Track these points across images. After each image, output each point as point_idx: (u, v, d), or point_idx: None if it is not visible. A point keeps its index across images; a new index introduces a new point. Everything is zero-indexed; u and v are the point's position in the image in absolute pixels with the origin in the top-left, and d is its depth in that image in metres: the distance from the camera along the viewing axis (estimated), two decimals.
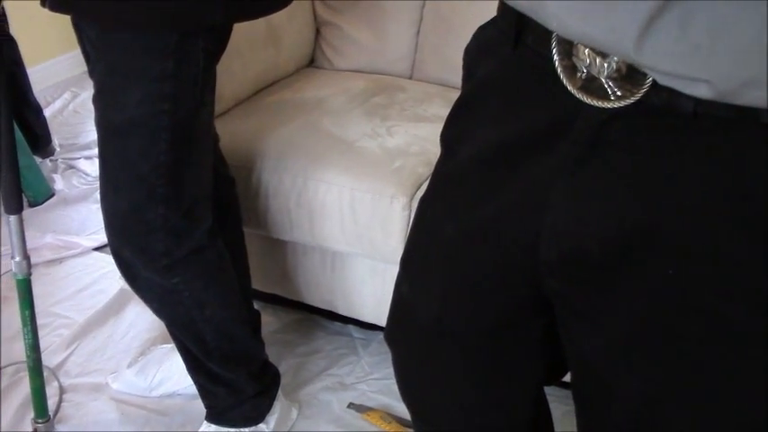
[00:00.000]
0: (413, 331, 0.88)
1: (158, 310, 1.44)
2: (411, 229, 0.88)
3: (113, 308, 1.99)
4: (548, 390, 1.39)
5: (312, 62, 2.20)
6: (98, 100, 1.24)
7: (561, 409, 1.56)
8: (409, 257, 0.88)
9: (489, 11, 0.77)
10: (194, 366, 1.49)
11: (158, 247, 1.30)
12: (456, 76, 2.09)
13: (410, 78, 2.12)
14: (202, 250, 1.37)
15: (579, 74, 0.61)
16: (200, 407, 1.59)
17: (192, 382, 1.65)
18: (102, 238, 2.28)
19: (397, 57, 2.11)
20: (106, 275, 2.12)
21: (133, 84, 1.19)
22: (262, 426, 1.57)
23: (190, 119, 1.24)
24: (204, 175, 1.35)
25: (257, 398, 1.55)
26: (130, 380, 1.73)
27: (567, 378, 0.94)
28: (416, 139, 1.69)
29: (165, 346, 1.79)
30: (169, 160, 1.24)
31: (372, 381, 1.80)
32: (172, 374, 1.72)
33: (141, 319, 1.93)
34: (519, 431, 0.94)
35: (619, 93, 0.59)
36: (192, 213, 1.33)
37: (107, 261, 2.19)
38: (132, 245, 1.31)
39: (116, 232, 1.32)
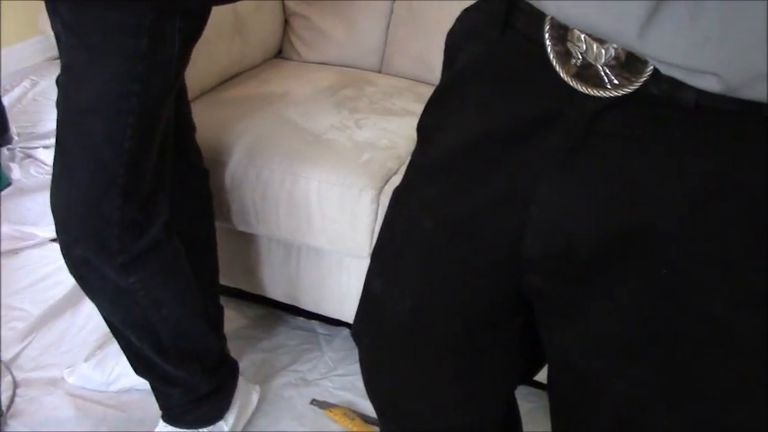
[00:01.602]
0: (383, 328, 0.85)
1: (110, 312, 1.36)
2: (384, 222, 0.84)
3: (71, 300, 1.93)
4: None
5: (280, 53, 2.17)
6: (64, 78, 1.18)
7: (526, 406, 1.56)
8: (382, 252, 0.84)
9: (461, 7, 0.74)
10: (145, 368, 1.44)
11: (114, 243, 1.23)
12: (425, 71, 2.09)
13: (379, 72, 2.09)
14: (159, 246, 1.31)
15: (573, 60, 0.58)
16: None
17: None
18: None
19: (366, 50, 2.09)
20: (63, 267, 2.04)
21: (104, 61, 1.14)
22: (221, 423, 1.53)
23: (158, 104, 1.19)
24: (164, 166, 1.30)
25: (214, 396, 1.51)
26: (87, 374, 1.69)
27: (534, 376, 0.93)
28: (385, 133, 1.67)
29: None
30: (133, 147, 1.18)
31: (336, 377, 1.77)
32: (129, 368, 1.65)
33: (98, 313, 1.87)
34: (491, 429, 0.92)
35: (616, 81, 0.56)
36: (150, 206, 1.27)
37: None
38: (86, 241, 1.23)
39: (68, 227, 1.24)
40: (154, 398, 1.57)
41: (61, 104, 1.19)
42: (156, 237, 1.30)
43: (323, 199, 1.55)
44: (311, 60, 2.11)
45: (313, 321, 1.94)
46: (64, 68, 1.18)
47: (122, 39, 1.12)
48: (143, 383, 1.64)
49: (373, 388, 0.93)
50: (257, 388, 1.66)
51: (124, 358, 1.66)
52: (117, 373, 1.67)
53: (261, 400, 1.67)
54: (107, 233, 1.22)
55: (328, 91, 1.88)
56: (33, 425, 1.58)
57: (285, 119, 1.70)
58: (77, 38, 1.15)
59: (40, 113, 2.86)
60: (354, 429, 1.62)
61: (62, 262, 2.03)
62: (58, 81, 1.20)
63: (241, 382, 1.58)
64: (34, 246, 2.16)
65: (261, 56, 2.07)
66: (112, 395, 1.67)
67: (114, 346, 1.71)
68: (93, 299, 1.36)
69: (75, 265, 1.28)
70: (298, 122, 1.69)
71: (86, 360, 1.72)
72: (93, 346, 1.78)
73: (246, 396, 1.61)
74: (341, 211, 1.54)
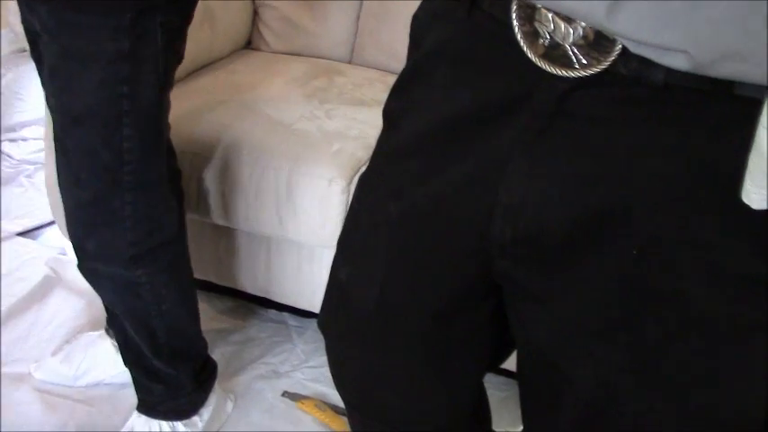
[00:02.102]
0: (351, 318, 0.84)
1: (112, 301, 1.37)
2: (350, 209, 0.83)
3: (37, 295, 1.90)
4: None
5: (249, 44, 2.15)
6: (51, 85, 1.17)
7: (498, 395, 1.56)
8: (348, 239, 0.83)
9: None
10: (134, 361, 1.44)
11: (127, 236, 1.24)
12: (396, 62, 2.08)
13: (349, 63, 2.08)
14: (171, 243, 1.32)
15: (541, 40, 0.58)
16: (128, 396, 1.54)
17: (120, 371, 1.60)
18: (27, 222, 2.20)
19: (336, 41, 2.08)
20: (30, 261, 2.02)
21: (88, 67, 1.12)
22: (195, 418, 1.52)
23: (153, 100, 1.18)
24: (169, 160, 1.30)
25: (194, 393, 1.51)
26: (54, 368, 1.66)
27: (504, 364, 0.93)
28: (355, 123, 1.66)
29: (91, 333, 1.72)
30: (134, 145, 1.18)
31: (307, 369, 1.76)
32: (98, 362, 1.65)
33: (67, 306, 1.85)
34: (460, 419, 0.91)
35: (584, 61, 0.56)
36: (165, 200, 1.28)
37: (31, 247, 2.11)
38: (98, 236, 1.24)
39: (79, 224, 1.25)
40: (123, 392, 1.56)
41: (55, 110, 1.18)
42: (170, 233, 1.31)
43: (292, 190, 1.54)
44: (281, 51, 2.10)
45: (284, 313, 1.92)
46: (48, 75, 1.17)
47: (103, 42, 1.11)
48: (112, 377, 1.64)
49: (340, 378, 0.92)
50: (232, 396, 1.65)
51: (92, 352, 1.65)
52: (85, 368, 1.65)
53: (230, 392, 1.66)
54: (118, 228, 1.23)
55: (298, 81, 1.86)
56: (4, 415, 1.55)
57: (254, 109, 1.69)
58: (58, 44, 1.13)
59: (5, 106, 2.81)
60: (326, 421, 1.61)
61: (29, 256, 2.03)
62: (44, 84, 1.18)
63: (218, 388, 1.57)
64: (1, 240, 2.12)
65: (229, 46, 2.05)
66: (81, 390, 1.64)
67: (82, 340, 1.69)
68: (97, 288, 1.37)
69: (85, 259, 1.29)
70: (267, 113, 1.68)
71: (53, 355, 1.69)
72: (61, 340, 1.75)
73: (222, 402, 1.61)
74: (311, 202, 1.53)
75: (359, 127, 1.65)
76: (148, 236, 1.27)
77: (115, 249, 1.25)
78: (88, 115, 1.15)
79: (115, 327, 1.43)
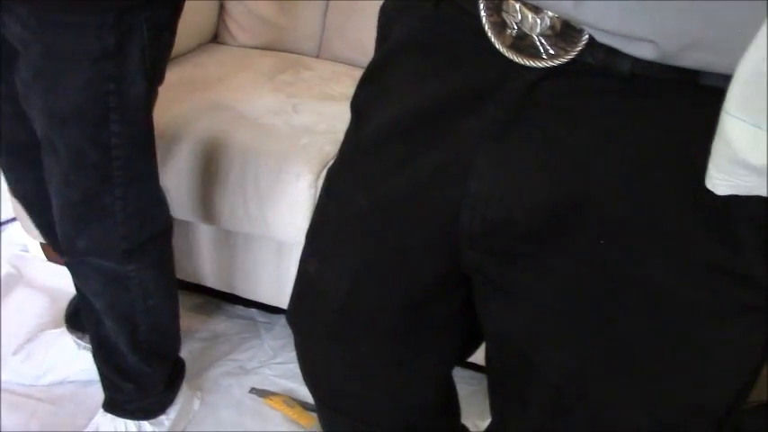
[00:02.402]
0: (320, 312, 0.83)
1: (99, 293, 1.34)
2: (318, 203, 0.82)
3: None
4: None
5: (216, 38, 2.13)
6: (35, 85, 1.14)
7: (466, 389, 1.56)
8: (316, 232, 0.82)
9: None
10: (106, 358, 1.42)
11: (119, 230, 1.23)
12: (364, 56, 2.07)
13: (317, 57, 2.07)
14: (161, 237, 1.32)
15: (509, 31, 0.58)
16: (92, 394, 1.52)
17: (83, 368, 1.59)
18: None
19: (303, 35, 2.07)
20: None
21: (73, 67, 1.10)
22: (161, 417, 1.50)
23: (141, 94, 1.16)
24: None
25: (164, 392, 1.49)
26: (16, 368, 1.64)
27: (472, 358, 0.93)
28: (323, 117, 1.65)
29: (52, 330, 1.69)
30: (122, 141, 1.16)
31: (275, 365, 1.75)
32: (60, 360, 1.63)
33: (30, 305, 1.81)
34: (428, 412, 0.91)
35: (551, 51, 0.56)
36: (156, 193, 1.27)
37: None
38: (89, 233, 1.23)
39: (70, 221, 1.24)
40: (87, 390, 1.54)
41: (42, 111, 1.16)
42: (161, 225, 1.30)
43: (260, 185, 1.52)
44: (248, 45, 2.08)
45: (252, 309, 1.91)
46: (32, 75, 1.14)
47: (88, 42, 1.08)
48: (75, 374, 1.62)
49: (309, 372, 0.91)
50: (199, 394, 1.64)
51: (54, 350, 1.63)
52: (47, 366, 1.63)
53: (199, 389, 1.65)
54: (109, 222, 1.22)
55: (265, 76, 1.85)
56: None
57: (220, 103, 1.67)
58: (41, 44, 1.10)
59: None
60: (294, 417, 1.60)
61: None
62: (27, 84, 1.15)
63: (185, 386, 1.56)
64: None
65: (196, 40, 2.03)
66: (43, 389, 1.62)
67: (44, 338, 1.67)
68: (83, 282, 1.35)
69: (76, 255, 1.28)
70: (234, 107, 1.66)
71: (15, 353, 1.66)
72: (23, 338, 1.72)
73: (189, 400, 1.59)
74: (278, 197, 1.51)
75: (327, 121, 1.64)
76: (140, 229, 1.26)
77: (107, 245, 1.25)
78: (75, 115, 1.13)
79: (90, 323, 1.40)
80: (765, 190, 0.47)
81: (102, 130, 1.15)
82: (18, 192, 1.47)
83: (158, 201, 1.30)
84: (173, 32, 1.22)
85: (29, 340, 1.69)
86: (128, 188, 1.21)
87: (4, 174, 1.45)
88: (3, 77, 1.21)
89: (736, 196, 0.49)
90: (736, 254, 0.56)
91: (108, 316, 1.36)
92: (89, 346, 1.59)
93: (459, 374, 1.57)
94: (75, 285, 1.37)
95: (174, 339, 1.48)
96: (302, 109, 1.69)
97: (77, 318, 1.63)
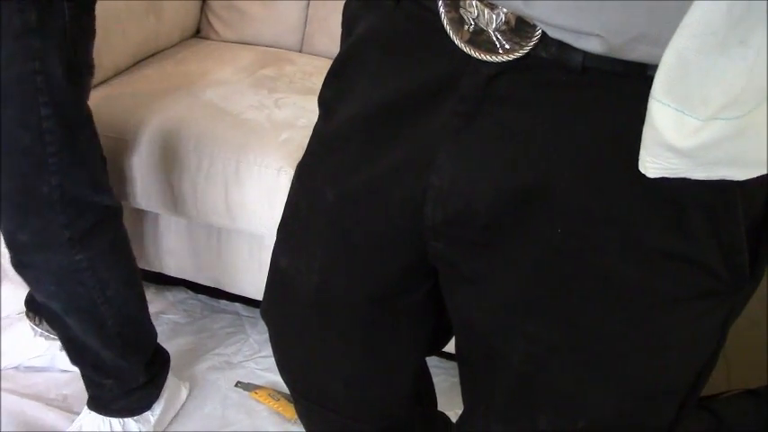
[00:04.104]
0: (292, 304, 0.84)
1: (54, 294, 1.32)
2: (288, 197, 0.84)
3: None
4: (434, 362, 1.39)
5: (198, 33, 2.13)
6: None
7: (449, 381, 1.57)
8: (287, 227, 0.84)
9: None
10: (79, 358, 1.41)
11: (59, 219, 1.20)
12: None
13: (299, 52, 2.08)
14: (106, 223, 1.29)
15: (466, 26, 0.59)
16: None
17: (38, 355, 1.62)
18: None
19: (286, 29, 2.07)
20: None
21: None
22: (147, 414, 1.50)
23: (69, 76, 1.14)
24: (99, 139, 1.27)
25: (146, 387, 1.48)
26: None
27: (454, 350, 0.94)
28: (305, 112, 1.66)
29: (10, 315, 1.70)
30: (55, 125, 1.14)
31: (260, 359, 1.76)
32: (15, 345, 1.64)
33: (11, 302, 1.79)
34: (402, 402, 0.93)
35: (507, 46, 0.57)
36: (93, 180, 1.24)
37: None
38: (30, 225, 1.21)
39: (8, 215, 1.21)
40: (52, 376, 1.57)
41: None
42: (104, 213, 1.28)
43: (241, 179, 1.53)
44: (230, 40, 2.08)
45: (236, 304, 1.92)
46: None
47: (6, 17, 1.06)
48: (30, 361, 1.64)
49: (284, 365, 0.92)
50: (187, 384, 1.64)
51: (10, 335, 1.65)
52: (3, 350, 1.64)
53: (185, 381, 1.65)
54: (49, 213, 1.19)
55: (247, 71, 1.85)
56: None
57: (202, 99, 1.67)
58: None
59: None
60: (279, 410, 1.62)
61: None
62: None
63: (170, 376, 1.56)
64: None
65: (177, 35, 2.03)
66: (27, 384, 1.62)
67: (2, 323, 1.68)
68: (34, 284, 1.32)
69: (20, 252, 1.25)
70: (215, 102, 1.66)
71: None
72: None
73: (175, 391, 1.59)
74: (259, 191, 1.52)
75: (308, 116, 1.64)
76: (80, 217, 1.23)
77: (50, 235, 1.22)
78: (3, 96, 1.10)
79: (55, 326, 1.39)
80: (691, 172, 0.49)
81: (31, 112, 1.12)
82: None
83: (97, 188, 1.26)
84: (91, 17, 1.19)
85: None
86: (64, 176, 1.18)
87: None
88: None
89: (687, 184, 0.51)
90: (690, 240, 0.58)
91: (70, 316, 1.33)
92: (45, 333, 1.62)
93: (441, 365, 1.59)
94: (31, 289, 1.35)
95: (145, 327, 1.45)
96: (284, 104, 1.69)
97: (36, 301, 1.61)
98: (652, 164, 0.50)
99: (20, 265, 1.28)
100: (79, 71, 1.18)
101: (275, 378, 1.69)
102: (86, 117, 1.23)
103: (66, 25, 1.12)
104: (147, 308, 1.46)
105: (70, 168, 1.19)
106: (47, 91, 1.12)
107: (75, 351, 1.41)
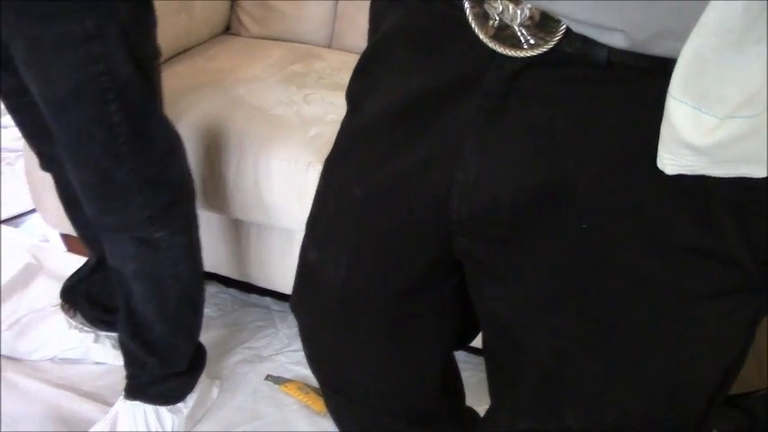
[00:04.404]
0: (320, 298, 0.85)
1: (132, 255, 1.37)
2: (317, 192, 0.84)
3: (19, 282, 1.91)
4: (462, 357, 1.39)
5: (228, 29, 2.14)
6: (28, 76, 1.17)
7: (477, 376, 1.57)
8: (315, 222, 0.85)
9: None
10: (133, 331, 1.44)
11: (137, 200, 1.28)
12: None
13: (328, 47, 2.08)
14: (183, 202, 1.36)
15: (491, 22, 0.59)
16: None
17: (72, 346, 1.66)
18: (8, 210, 2.20)
19: (315, 25, 2.08)
20: (12, 249, 2.03)
21: (60, 54, 1.13)
22: (180, 405, 1.53)
23: (131, 73, 1.18)
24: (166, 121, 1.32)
25: (184, 376, 1.52)
26: (10, 343, 1.68)
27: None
28: (333, 108, 1.67)
29: (46, 307, 1.73)
30: (123, 118, 1.20)
31: (290, 352, 1.78)
32: (51, 337, 1.67)
33: (48, 294, 1.84)
34: (429, 396, 0.93)
35: (531, 41, 0.57)
36: (163, 161, 1.30)
37: (13, 234, 2.12)
38: (111, 209, 1.28)
39: (91, 201, 1.29)
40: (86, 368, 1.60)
41: (40, 100, 1.19)
42: (175, 190, 1.34)
43: (270, 175, 1.54)
44: (259, 36, 2.09)
45: (266, 298, 1.93)
46: (25, 66, 1.17)
47: (67, 27, 1.11)
48: (64, 353, 1.68)
49: (313, 359, 0.93)
50: (218, 382, 1.66)
51: (44, 327, 1.68)
52: (38, 342, 1.68)
53: (216, 377, 1.67)
54: (128, 194, 1.27)
55: (276, 67, 1.86)
56: None
57: (232, 95, 1.69)
58: (23, 36, 1.13)
59: None
60: (308, 403, 1.63)
61: (11, 244, 2.03)
62: (23, 75, 1.18)
63: (204, 376, 1.59)
64: None
65: (208, 32, 2.04)
66: (58, 373, 1.66)
67: (35, 315, 1.71)
68: (114, 252, 1.38)
69: (108, 231, 1.34)
70: (245, 98, 1.68)
71: (8, 329, 1.71)
72: (15, 316, 1.77)
73: (207, 388, 1.62)
74: (288, 187, 1.53)
75: (337, 112, 1.65)
76: (156, 195, 1.29)
77: (131, 216, 1.29)
78: (73, 99, 1.16)
79: (120, 294, 1.43)
80: (708, 170, 0.49)
81: (102, 110, 1.18)
82: (57, 183, 1.53)
83: (167, 166, 1.32)
84: (151, 11, 1.24)
85: (24, 315, 1.74)
86: (136, 160, 1.24)
87: (41, 161, 1.49)
88: (13, 71, 1.23)
89: (715, 180, 0.51)
90: (717, 237, 0.57)
91: (138, 281, 1.39)
92: (79, 325, 1.67)
93: (470, 361, 1.59)
94: (107, 255, 1.40)
95: (199, 314, 1.50)
96: (313, 99, 1.70)
97: (71, 293, 1.67)
98: (670, 161, 0.50)
99: (105, 237, 1.36)
100: (143, 63, 1.22)
101: (305, 372, 1.71)
102: (153, 102, 1.28)
103: (124, 26, 1.16)
104: (203, 295, 1.51)
105: (140, 152, 1.25)
106: (113, 88, 1.17)
107: (131, 322, 1.44)
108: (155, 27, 1.26)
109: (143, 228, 1.31)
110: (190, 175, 1.39)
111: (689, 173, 0.50)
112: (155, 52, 1.27)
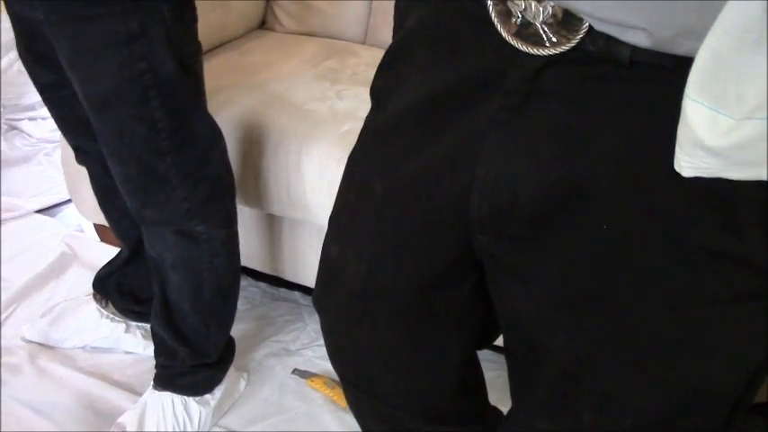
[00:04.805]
0: (341, 294, 0.86)
1: (172, 245, 1.39)
2: (340, 188, 0.85)
3: (54, 270, 1.94)
4: (488, 356, 1.39)
5: (263, 24, 2.15)
6: (71, 74, 1.20)
7: (503, 376, 1.57)
8: (338, 217, 0.85)
9: None
10: (166, 319, 1.46)
11: (177, 193, 1.30)
12: None
13: (363, 44, 2.08)
14: (220, 197, 1.38)
15: (514, 19, 0.59)
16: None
17: (103, 335, 1.69)
18: (45, 199, 2.23)
19: (350, 21, 2.08)
20: (48, 238, 2.07)
21: (104, 55, 1.15)
22: (207, 396, 1.54)
23: (173, 71, 1.20)
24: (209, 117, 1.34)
25: (214, 368, 1.53)
26: (44, 330, 1.71)
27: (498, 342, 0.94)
28: (366, 104, 1.64)
29: (79, 296, 1.76)
30: (166, 114, 1.22)
31: (317, 347, 1.78)
32: (83, 326, 1.70)
33: (82, 283, 1.88)
34: (448, 393, 0.93)
35: (554, 39, 0.57)
36: (204, 156, 1.32)
37: (49, 224, 2.15)
38: (152, 201, 1.31)
39: (132, 194, 1.31)
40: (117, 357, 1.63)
41: (83, 98, 1.22)
42: (215, 184, 1.36)
43: (302, 170, 1.55)
44: (294, 31, 2.10)
45: (295, 292, 1.94)
46: (69, 66, 1.19)
47: (111, 27, 1.13)
48: (95, 342, 1.70)
49: (334, 354, 0.94)
50: (245, 375, 1.68)
51: (78, 316, 1.71)
52: (72, 330, 1.71)
53: (243, 370, 1.68)
54: (167, 188, 1.29)
55: (311, 62, 1.87)
56: (15, 393, 1.59)
57: (266, 90, 1.70)
58: (67, 38, 1.15)
59: (25, 85, 2.84)
60: (334, 398, 1.63)
61: (46, 233, 2.06)
62: (67, 73, 1.21)
63: (232, 368, 1.60)
64: (19, 216, 2.16)
65: (243, 26, 2.06)
66: (91, 362, 1.68)
67: (69, 304, 1.74)
68: (155, 237, 1.39)
69: (149, 224, 1.36)
70: (279, 94, 1.69)
71: (43, 316, 1.74)
72: (49, 304, 1.80)
73: (235, 380, 1.63)
74: (320, 182, 1.54)
75: (369, 108, 1.65)
76: (196, 188, 1.31)
77: (171, 209, 1.31)
78: (116, 97, 1.18)
79: (156, 282, 1.45)
80: (724, 172, 0.48)
81: (144, 108, 1.20)
82: (92, 177, 1.55)
83: (208, 161, 1.34)
84: (192, 8, 1.26)
85: (58, 304, 1.77)
86: (177, 155, 1.26)
87: (76, 155, 1.52)
88: (54, 67, 1.25)
89: (736, 181, 0.50)
90: (738, 238, 0.56)
91: (176, 271, 1.40)
92: (111, 315, 1.69)
93: (496, 360, 1.58)
94: (146, 245, 1.42)
95: (232, 306, 1.52)
96: (346, 95, 1.71)
97: (104, 283, 1.69)
98: (686, 163, 0.49)
99: (145, 229, 1.38)
100: (185, 60, 1.23)
101: (331, 367, 1.71)
102: (195, 98, 1.30)
103: (167, 24, 1.17)
104: (238, 289, 1.52)
105: (182, 147, 1.27)
106: (155, 86, 1.19)
107: (165, 312, 1.46)
108: (196, 23, 1.27)
109: (183, 221, 1.33)
110: (230, 170, 1.41)
111: (705, 175, 0.49)
112: (196, 48, 1.29)
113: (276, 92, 1.69)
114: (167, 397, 1.51)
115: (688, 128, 0.47)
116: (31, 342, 1.72)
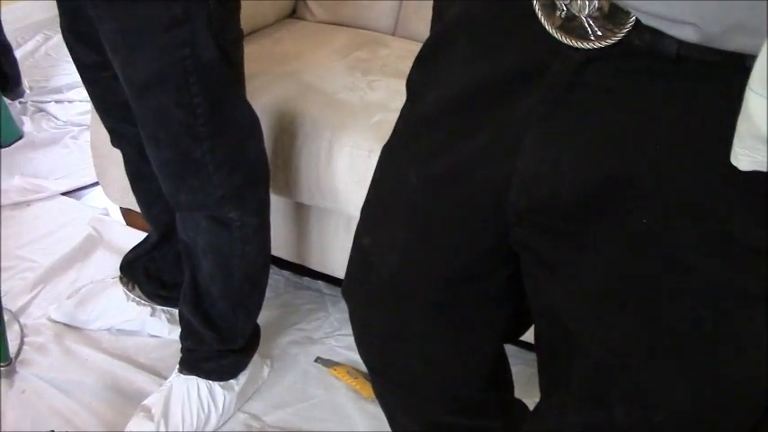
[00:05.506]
0: (372, 284, 0.86)
1: (204, 229, 1.40)
2: (373, 179, 0.84)
3: (79, 253, 1.96)
4: (512, 351, 1.39)
5: (294, 13, 2.15)
6: (114, 59, 1.21)
7: (528, 372, 1.57)
8: (370, 207, 0.85)
9: None
10: (195, 303, 1.47)
11: (212, 179, 1.30)
12: None
13: (393, 35, 2.08)
14: (254, 184, 1.38)
15: (558, 12, 0.58)
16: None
17: (128, 319, 1.70)
18: (71, 182, 2.25)
19: (381, 12, 2.08)
20: (74, 220, 2.09)
21: (147, 38, 1.16)
22: (232, 382, 1.56)
23: (215, 57, 1.21)
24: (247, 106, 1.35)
25: (239, 353, 1.54)
26: (70, 311, 1.73)
27: (533, 340, 0.94)
28: (397, 95, 1.66)
29: (106, 279, 1.77)
30: (205, 101, 1.23)
31: (341, 336, 1.79)
32: (109, 308, 1.72)
33: (108, 266, 1.89)
34: (476, 385, 0.93)
35: (599, 33, 0.56)
36: (242, 145, 1.33)
37: (75, 205, 2.17)
38: (187, 186, 1.31)
39: (168, 179, 1.32)
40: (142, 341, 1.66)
41: (124, 81, 1.23)
42: (252, 176, 1.36)
43: (332, 159, 1.55)
44: (325, 21, 2.10)
45: (319, 282, 1.95)
46: (111, 49, 1.20)
47: (156, 13, 1.14)
48: (120, 324, 1.72)
49: (363, 344, 0.94)
50: (268, 362, 1.69)
51: (103, 298, 1.73)
52: (97, 312, 1.72)
53: (267, 356, 1.69)
54: (202, 174, 1.30)
55: (341, 52, 1.87)
56: (41, 372, 1.60)
57: (297, 79, 1.70)
58: (113, 20, 1.16)
59: (52, 68, 2.87)
60: (357, 387, 1.64)
61: (72, 215, 2.07)
62: (109, 55, 1.22)
63: (256, 355, 1.61)
64: (45, 198, 2.18)
65: (274, 15, 2.06)
66: (116, 344, 1.70)
67: (96, 286, 1.76)
68: (188, 227, 1.40)
69: (182, 209, 1.37)
70: (309, 83, 1.69)
71: (69, 298, 1.75)
72: (75, 286, 1.81)
73: (259, 367, 1.64)
74: (350, 172, 1.54)
75: (401, 99, 1.63)
76: (230, 175, 1.32)
77: (205, 194, 1.32)
78: (157, 81, 1.19)
79: (188, 267, 1.46)
80: None
81: (184, 93, 1.21)
82: (126, 160, 1.56)
83: (244, 149, 1.35)
84: (233, 2, 1.26)
85: (84, 286, 1.78)
86: (213, 141, 1.27)
87: (112, 138, 1.53)
88: (97, 48, 1.26)
89: None
90: None
91: (207, 256, 1.41)
92: (137, 298, 1.71)
93: (520, 356, 1.58)
94: (179, 229, 1.43)
95: (260, 294, 1.53)
96: (377, 86, 1.70)
97: (131, 267, 1.71)
98: (745, 156, 0.49)
99: (181, 219, 1.39)
100: (226, 47, 1.24)
101: (354, 356, 1.72)
102: (234, 85, 1.30)
103: (210, 10, 1.18)
104: (267, 277, 1.53)
105: (218, 133, 1.28)
106: (195, 72, 1.20)
107: (194, 296, 1.46)
108: (239, 11, 1.28)
109: (216, 207, 1.34)
110: (265, 158, 1.41)
111: (763, 169, 0.48)
112: (237, 35, 1.29)
113: (307, 81, 1.69)
114: (192, 381, 1.51)
115: (750, 121, 0.47)
116: (56, 322, 1.73)
